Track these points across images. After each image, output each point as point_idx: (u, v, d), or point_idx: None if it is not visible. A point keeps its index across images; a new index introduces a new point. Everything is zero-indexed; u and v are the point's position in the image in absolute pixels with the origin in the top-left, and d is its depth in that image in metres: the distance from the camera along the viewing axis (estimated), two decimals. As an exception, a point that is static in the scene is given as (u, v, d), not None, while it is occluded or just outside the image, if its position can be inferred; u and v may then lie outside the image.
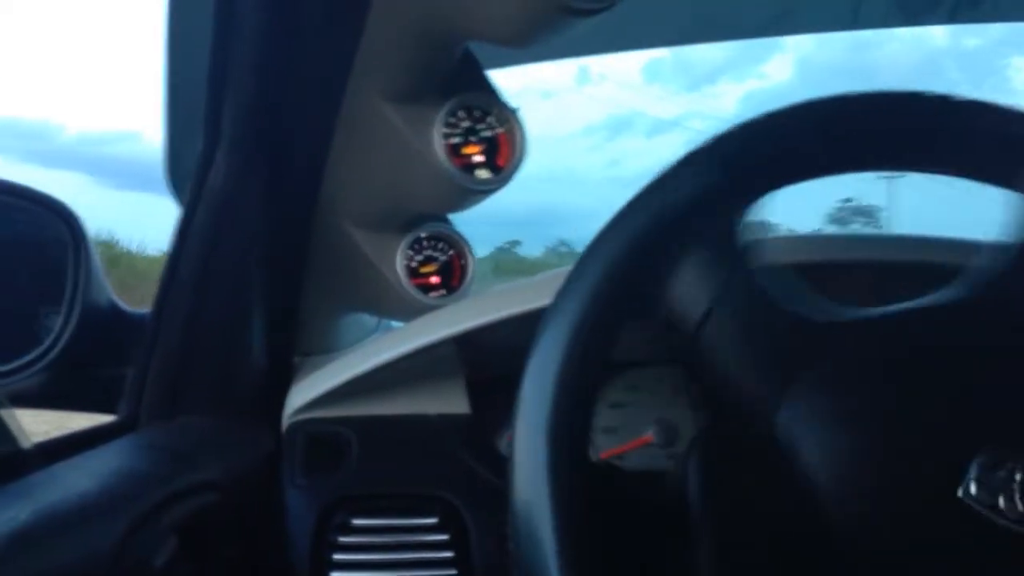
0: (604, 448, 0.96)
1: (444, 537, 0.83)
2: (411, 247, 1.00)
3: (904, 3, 1.29)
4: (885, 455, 0.51)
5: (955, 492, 0.48)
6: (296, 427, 0.91)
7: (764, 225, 0.57)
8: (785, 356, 0.54)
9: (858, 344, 0.54)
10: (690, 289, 0.55)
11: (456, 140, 0.89)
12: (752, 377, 0.55)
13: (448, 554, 0.83)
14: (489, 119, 0.90)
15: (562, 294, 0.55)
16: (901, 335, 0.54)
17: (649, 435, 0.98)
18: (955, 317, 0.54)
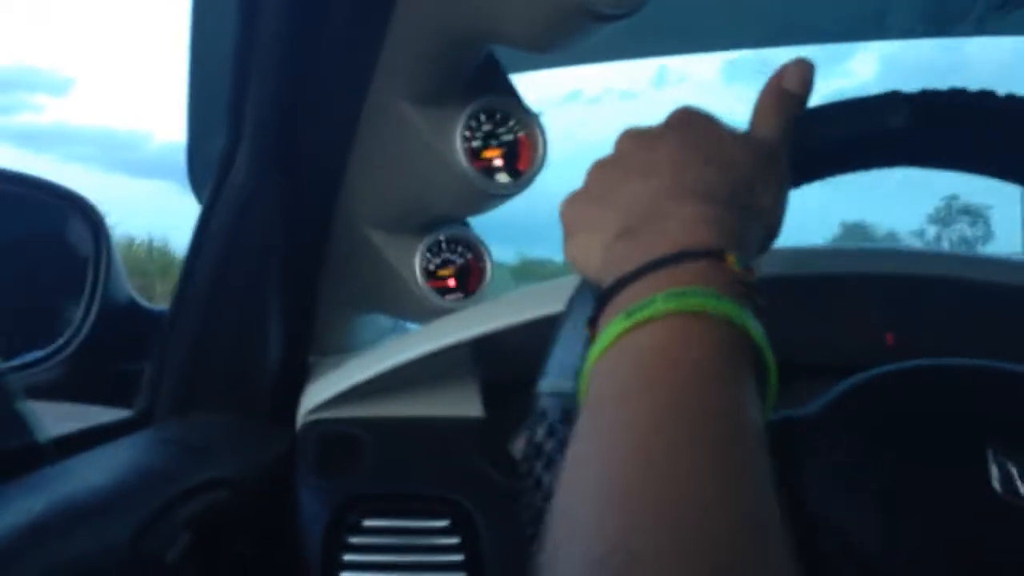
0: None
1: (455, 540, 0.83)
2: (429, 249, 1.00)
3: (930, 14, 1.28)
4: None
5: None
6: (310, 427, 0.91)
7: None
8: None
9: None
10: None
11: (476, 143, 0.89)
12: None
13: (459, 557, 0.83)
14: (510, 123, 0.90)
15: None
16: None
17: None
18: None
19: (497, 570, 0.82)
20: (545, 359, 0.54)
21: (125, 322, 0.99)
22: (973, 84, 0.55)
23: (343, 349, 1.06)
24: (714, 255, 0.42)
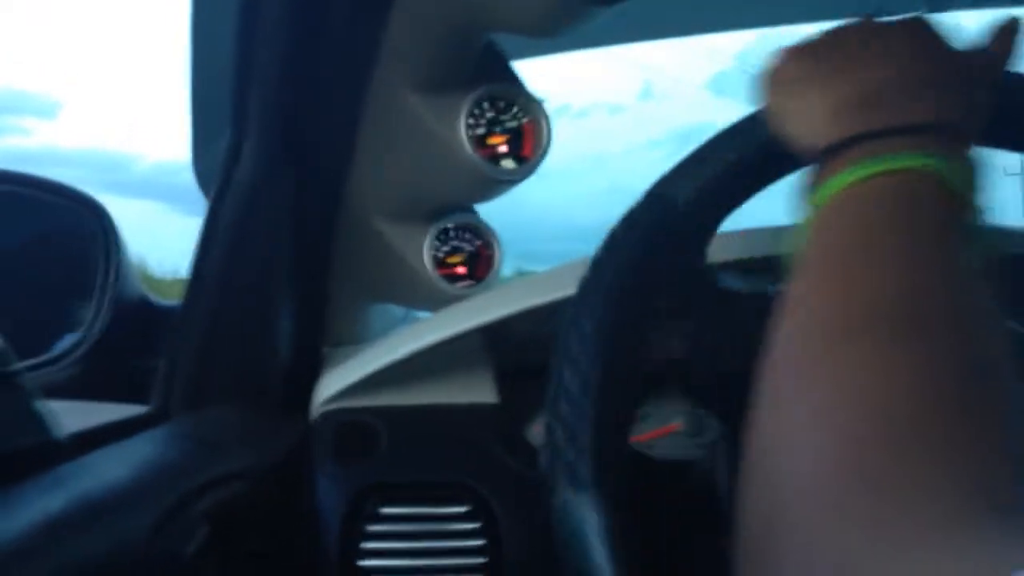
0: (632, 434, 0.96)
1: (473, 526, 0.84)
2: (438, 237, 1.00)
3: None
4: None
5: None
6: (325, 417, 0.91)
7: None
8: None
9: None
10: None
11: (481, 131, 0.89)
12: None
13: (477, 542, 0.83)
14: (514, 109, 0.90)
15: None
16: None
17: (677, 423, 0.97)
18: None
19: (515, 555, 0.83)
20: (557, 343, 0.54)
21: (137, 319, 1.00)
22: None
23: (356, 339, 1.06)
24: (948, 134, 0.46)
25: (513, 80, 0.90)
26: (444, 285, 1.00)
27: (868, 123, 0.48)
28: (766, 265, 0.63)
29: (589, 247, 0.57)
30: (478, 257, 1.03)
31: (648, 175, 0.58)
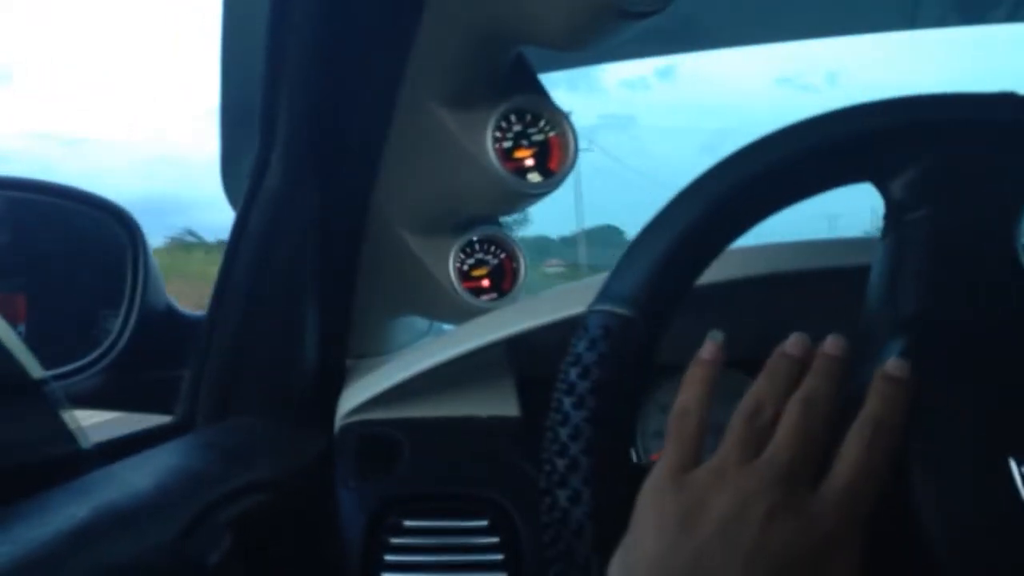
0: (654, 451, 0.95)
1: (494, 539, 0.83)
2: (463, 250, 1.00)
3: (963, 3, 1.27)
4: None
5: None
6: (348, 429, 0.91)
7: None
8: (971, 283, 0.51)
9: None
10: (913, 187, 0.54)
11: (508, 144, 0.89)
12: (922, 290, 0.52)
13: (498, 556, 0.83)
14: (540, 123, 0.90)
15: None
16: None
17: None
18: None
19: (536, 568, 0.82)
20: None
21: (164, 329, 1.00)
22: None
23: (380, 351, 1.06)
24: None
25: (540, 93, 0.90)
26: (468, 298, 0.99)
27: None
28: None
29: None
30: (503, 270, 1.03)
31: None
